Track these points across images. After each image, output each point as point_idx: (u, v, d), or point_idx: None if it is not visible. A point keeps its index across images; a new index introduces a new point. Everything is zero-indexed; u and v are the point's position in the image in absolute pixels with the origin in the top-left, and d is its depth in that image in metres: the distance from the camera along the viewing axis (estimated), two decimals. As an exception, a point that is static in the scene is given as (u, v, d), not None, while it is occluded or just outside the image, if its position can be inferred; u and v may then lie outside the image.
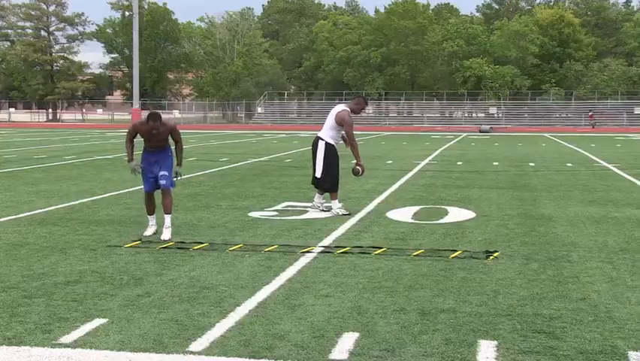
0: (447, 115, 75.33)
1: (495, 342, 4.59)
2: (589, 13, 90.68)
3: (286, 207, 11.14)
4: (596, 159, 22.56)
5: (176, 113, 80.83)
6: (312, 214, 10.26)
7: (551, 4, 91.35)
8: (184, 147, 8.87)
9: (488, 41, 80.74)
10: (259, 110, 77.26)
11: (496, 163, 20.66)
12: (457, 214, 10.28)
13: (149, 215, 8.61)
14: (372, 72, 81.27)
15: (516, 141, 36.37)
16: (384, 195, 12.72)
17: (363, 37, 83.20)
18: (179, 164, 8.67)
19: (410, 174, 17.08)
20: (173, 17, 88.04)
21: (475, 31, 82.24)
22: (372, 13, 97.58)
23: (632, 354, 4.38)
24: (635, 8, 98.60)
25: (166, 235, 8.23)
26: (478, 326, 4.91)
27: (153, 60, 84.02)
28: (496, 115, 71.56)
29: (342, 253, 7.40)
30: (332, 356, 4.33)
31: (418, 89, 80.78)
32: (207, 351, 4.40)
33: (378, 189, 13.49)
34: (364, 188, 13.79)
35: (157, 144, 8.48)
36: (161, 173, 8.41)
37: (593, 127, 60.08)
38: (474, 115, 75.20)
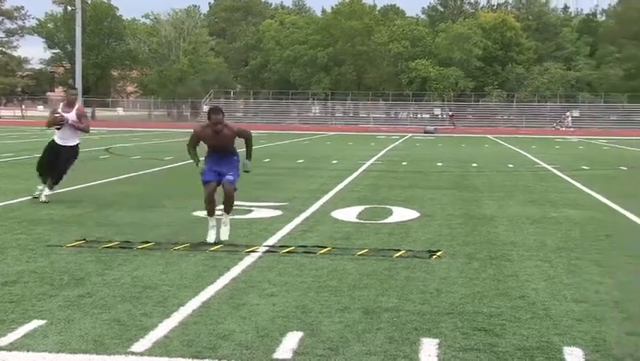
0: (392, 115, 75.92)
1: (437, 340, 4.66)
2: (530, 17, 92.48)
3: (231, 206, 11.07)
4: (536, 160, 23.06)
5: (120, 111, 79.70)
6: (258, 214, 10.24)
7: (494, 8, 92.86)
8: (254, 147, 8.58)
9: (433, 43, 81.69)
10: (205, 108, 76.54)
11: (440, 164, 20.95)
12: (401, 214, 10.39)
13: (210, 216, 8.11)
14: (318, 72, 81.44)
15: (460, 142, 36.91)
16: (329, 194, 12.77)
17: (309, 37, 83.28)
18: (248, 158, 8.37)
19: (355, 174, 17.18)
20: (118, 14, 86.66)
21: (421, 33, 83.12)
22: (319, 13, 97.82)
23: (566, 349, 4.50)
24: (573, 14, 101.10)
25: (224, 234, 8.00)
26: (421, 325, 4.98)
27: (96, 57, 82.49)
28: (440, 116, 72.45)
29: (287, 252, 7.41)
30: (276, 355, 4.34)
31: (364, 90, 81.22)
32: (150, 352, 4.36)
33: (323, 189, 13.53)
34: (310, 188, 13.82)
35: (222, 148, 8.02)
36: (228, 173, 8.04)
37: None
38: (419, 116, 75.96)
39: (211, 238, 7.96)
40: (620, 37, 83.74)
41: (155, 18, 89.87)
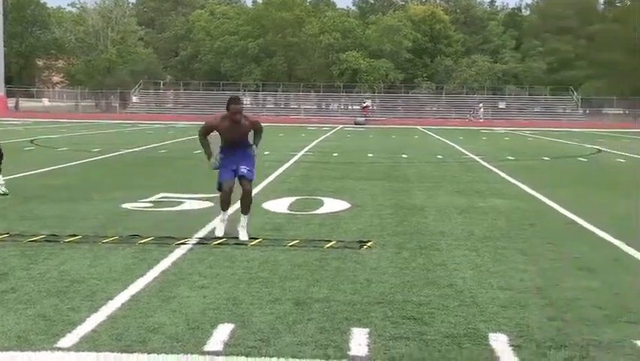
0: (323, 107, 76.12)
1: (367, 329, 4.71)
2: (458, 10, 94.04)
3: (161, 198, 10.95)
4: (464, 151, 23.50)
5: (46, 102, 77.45)
6: (188, 205, 10.15)
7: (424, 1, 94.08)
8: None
9: (364, 35, 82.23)
10: (134, 99, 75.26)
11: (371, 155, 21.14)
12: (332, 205, 10.45)
13: (224, 210, 7.95)
14: (249, 63, 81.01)
15: (390, 133, 37.31)
16: (260, 186, 12.73)
17: (240, 28, 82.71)
18: (256, 144, 8.09)
19: (286, 165, 17.18)
20: (42, 1, 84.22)
21: (351, 24, 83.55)
22: (250, 4, 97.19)
23: (492, 335, 4.62)
24: (499, 8, 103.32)
25: (243, 235, 7.73)
26: (352, 314, 5.03)
27: (20, 45, 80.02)
28: (371, 107, 73.04)
29: (218, 244, 7.37)
30: (207, 347, 4.32)
31: (295, 81, 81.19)
32: (77, 347, 4.28)
33: (255, 180, 13.46)
34: (241, 179, 13.75)
35: (238, 140, 7.78)
36: (244, 166, 7.81)
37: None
38: (350, 107, 76.38)
39: (220, 231, 7.84)
40: (544, 32, 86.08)
41: (82, 7, 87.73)
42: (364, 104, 65.32)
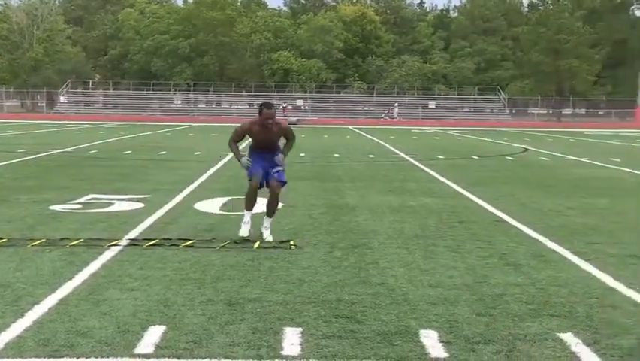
0: (255, 107, 75.82)
1: (300, 329, 4.72)
2: (388, 11, 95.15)
3: (90, 199, 10.74)
4: (395, 150, 23.79)
5: (-33, 101, 74.90)
6: (119, 206, 9.98)
7: (354, 1, 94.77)
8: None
9: (295, 35, 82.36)
10: (62, 99, 73.41)
11: (303, 154, 21.18)
12: (264, 205, 10.41)
13: (248, 210, 7.88)
14: (180, 63, 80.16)
15: (322, 133, 37.46)
16: (192, 186, 12.62)
17: (171, 27, 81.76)
18: (285, 154, 7.98)
19: (218, 165, 17.07)
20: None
21: (283, 24, 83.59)
22: (180, 3, 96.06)
23: (422, 332, 4.69)
24: (429, 9, 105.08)
25: (268, 235, 7.68)
26: (284, 314, 5.04)
27: (-63, 42, 77.28)
28: (303, 107, 73.16)
29: (150, 245, 7.27)
30: (137, 350, 4.26)
31: (227, 81, 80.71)
32: (1, 354, 4.16)
33: (186, 181, 13.36)
34: (172, 179, 13.61)
35: (269, 145, 7.78)
36: (276, 168, 7.79)
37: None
38: (290, 107, 76.30)
39: (244, 232, 7.75)
40: (472, 33, 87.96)
41: (5, 3, 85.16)
42: (283, 105, 65.33)
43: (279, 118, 7.92)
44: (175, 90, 76.99)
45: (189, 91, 77.75)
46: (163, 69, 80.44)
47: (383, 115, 64.06)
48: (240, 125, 8.02)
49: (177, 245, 7.31)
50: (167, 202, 10.46)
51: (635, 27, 79.30)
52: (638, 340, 4.60)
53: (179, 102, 75.39)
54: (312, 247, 7.43)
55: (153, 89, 74.71)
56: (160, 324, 4.74)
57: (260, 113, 7.69)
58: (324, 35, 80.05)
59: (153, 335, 4.53)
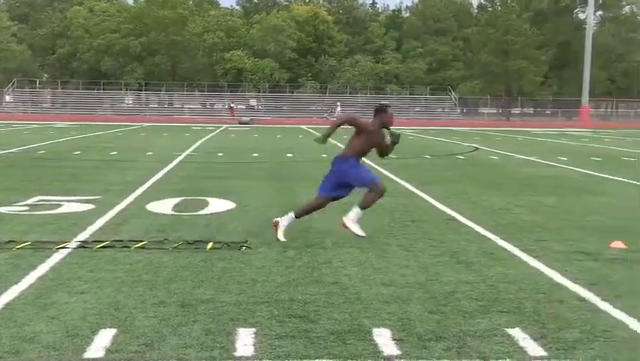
0: (208, 106, 75.39)
1: (253, 329, 4.71)
2: (341, 11, 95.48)
3: (38, 201, 10.53)
4: (349, 150, 23.85)
5: None
6: (68, 208, 9.81)
7: (307, 1, 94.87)
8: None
9: (248, 34, 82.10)
10: (7, 98, 71.86)
11: (256, 154, 21.13)
12: (217, 205, 10.38)
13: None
14: (131, 62, 79.18)
15: (275, 133, 37.41)
16: (144, 187, 12.49)
17: (121, 26, 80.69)
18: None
19: (170, 165, 16.92)
20: None
21: (236, 24, 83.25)
22: (131, 2, 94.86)
23: (375, 330, 4.73)
24: (381, 9, 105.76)
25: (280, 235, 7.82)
26: (237, 315, 5.02)
27: None
28: (256, 107, 72.97)
29: (100, 247, 7.17)
30: (87, 355, 4.20)
31: (179, 80, 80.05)
32: (-54, 360, 4.06)
33: (138, 181, 13.20)
34: (123, 180, 13.45)
35: (369, 151, 8.08)
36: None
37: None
38: (237, 107, 76.01)
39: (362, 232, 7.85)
40: (423, 33, 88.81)
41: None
42: (231, 105, 65.07)
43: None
44: (126, 90, 76.05)
45: (141, 90, 76.85)
46: (113, 68, 79.36)
47: (326, 115, 64.05)
48: (365, 122, 8.12)
49: (129, 247, 7.22)
50: (118, 203, 10.33)
51: (579, 29, 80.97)
52: (582, 333, 4.71)
53: (131, 102, 74.51)
54: (265, 247, 7.42)
55: (104, 89, 73.66)
56: (111, 327, 4.68)
57: (385, 113, 7.86)
58: (276, 35, 79.95)
59: (103, 338, 4.47)
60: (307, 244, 7.61)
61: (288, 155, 21.16)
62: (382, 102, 8.17)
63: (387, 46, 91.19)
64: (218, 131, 39.23)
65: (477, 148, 26.17)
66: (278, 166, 17.43)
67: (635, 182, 14.44)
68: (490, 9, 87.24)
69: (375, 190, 7.89)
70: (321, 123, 54.86)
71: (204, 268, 6.40)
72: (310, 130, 42.11)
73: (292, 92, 78.31)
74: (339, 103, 66.59)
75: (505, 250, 7.44)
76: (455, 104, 74.87)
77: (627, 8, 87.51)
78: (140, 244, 7.34)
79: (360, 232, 7.79)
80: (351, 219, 7.92)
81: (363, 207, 7.97)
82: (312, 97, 76.53)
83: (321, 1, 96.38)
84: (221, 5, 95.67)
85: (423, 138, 35.08)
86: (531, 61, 74.01)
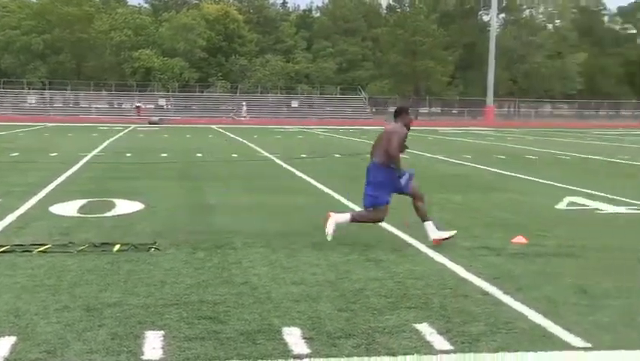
0: (116, 106, 73.70)
1: (162, 332, 4.64)
2: (251, 10, 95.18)
3: None
4: (259, 149, 23.82)
5: None
6: (-35, 212, 9.39)
7: (217, 0, 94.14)
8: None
9: (157, 33, 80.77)
10: None
11: (165, 155, 20.81)
12: (125, 206, 10.17)
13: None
14: (34, 59, 76.61)
15: (185, 133, 36.93)
16: (47, 188, 12.10)
17: (23, 22, 77.93)
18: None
19: (76, 166, 16.46)
20: None
21: (144, 22, 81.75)
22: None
23: (285, 330, 4.74)
24: (291, 9, 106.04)
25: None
26: (145, 318, 4.93)
27: None
28: (165, 107, 71.80)
29: (0, 252, 6.89)
30: (-15, 363, 4.04)
31: (85, 79, 77.90)
32: None
33: (41, 183, 12.78)
34: (27, 181, 13.01)
35: None
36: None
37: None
38: (144, 106, 74.60)
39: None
40: (333, 33, 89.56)
41: None
42: (137, 105, 63.94)
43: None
44: (29, 88, 73.47)
45: (44, 89, 74.38)
46: (14, 66, 76.60)
47: (231, 115, 63.71)
48: (397, 132, 7.66)
49: (30, 251, 6.98)
50: (19, 206, 9.97)
51: (483, 31, 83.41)
52: (485, 326, 4.85)
53: (34, 101, 71.94)
54: (174, 248, 7.32)
55: (4, 87, 70.93)
56: (10, 335, 4.51)
57: (407, 115, 7.73)
58: (186, 34, 78.98)
59: (2, 347, 4.30)
60: (217, 244, 7.55)
61: (198, 155, 20.93)
62: (404, 104, 8.08)
63: (298, 45, 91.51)
64: (126, 131, 38.42)
65: (386, 147, 26.53)
66: (187, 166, 17.22)
67: (536, 179, 14.97)
68: (398, 10, 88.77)
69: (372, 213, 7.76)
70: (229, 123, 54.56)
71: (111, 271, 6.26)
72: (220, 130, 41.78)
73: (202, 92, 77.49)
74: (244, 103, 66.25)
75: (414, 247, 7.58)
76: (365, 104, 75.78)
77: (527, 12, 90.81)
78: (43, 248, 7.10)
79: (330, 233, 7.60)
80: (336, 218, 7.75)
81: (352, 220, 7.82)
82: (223, 97, 75.92)
83: (231, 0, 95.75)
84: (129, 3, 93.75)
85: (333, 137, 35.36)
86: (438, 61, 75.71)
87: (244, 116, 61.99)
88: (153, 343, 4.43)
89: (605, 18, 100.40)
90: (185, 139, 30.92)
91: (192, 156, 20.35)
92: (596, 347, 4.48)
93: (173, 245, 7.44)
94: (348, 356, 4.29)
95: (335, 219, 7.71)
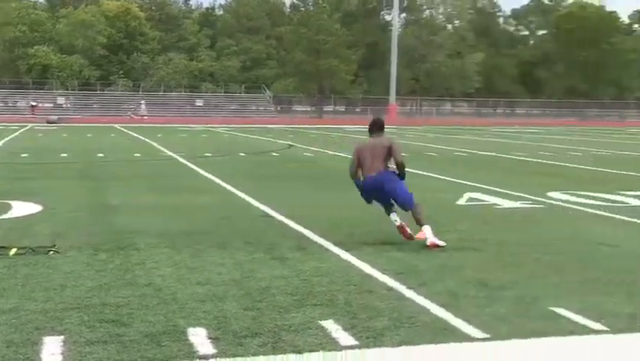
0: (10, 105, 70.90)
1: (62, 337, 4.51)
2: (153, 8, 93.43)
3: None
4: (163, 148, 23.45)
5: None
6: None
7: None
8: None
9: (54, 29, 78.18)
10: None
11: (65, 154, 20.20)
12: (21, 208, 9.81)
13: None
14: None
15: (86, 132, 35.95)
16: (-63, 191, 11.53)
17: None
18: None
19: (-31, 168, 15.77)
20: None
21: (40, 17, 78.94)
22: None
23: (190, 330, 4.69)
24: (194, 7, 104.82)
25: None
26: (44, 323, 4.78)
27: None
28: (64, 105, 69.62)
29: None
30: None
31: (-24, 77, 74.70)
32: None
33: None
34: None
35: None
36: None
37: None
38: (41, 105, 72.08)
39: None
40: (237, 32, 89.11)
41: None
42: (32, 104, 61.89)
43: None
44: None
45: None
46: None
47: (129, 113, 62.46)
48: (396, 142, 8.17)
49: None
50: None
51: (385, 31, 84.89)
52: (389, 320, 4.95)
53: None
54: (75, 250, 7.11)
55: None
56: None
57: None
58: (85, 30, 76.76)
59: None
60: (119, 245, 7.39)
61: (99, 155, 20.42)
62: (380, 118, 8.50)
63: (202, 44, 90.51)
64: (22, 130, 37.06)
65: (291, 145, 26.65)
66: (88, 166, 16.78)
67: (437, 175, 15.36)
68: (302, 9, 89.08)
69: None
70: (131, 122, 53.52)
71: (7, 276, 6.03)
72: (123, 129, 40.88)
73: (103, 90, 75.57)
74: (143, 101, 65.00)
75: (319, 244, 7.64)
76: (270, 102, 75.76)
77: (428, 12, 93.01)
78: None
79: (437, 242, 7.52)
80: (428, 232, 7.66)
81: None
82: (125, 95, 74.27)
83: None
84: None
85: (238, 135, 35.20)
86: (342, 60, 76.42)
87: (143, 115, 60.78)
88: (52, 349, 4.30)
89: (500, 20, 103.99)
90: (86, 138, 30.11)
91: (93, 156, 19.84)
92: (493, 338, 4.64)
93: (73, 247, 7.23)
94: (254, 355, 4.28)
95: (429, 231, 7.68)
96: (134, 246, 7.39)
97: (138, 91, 74.66)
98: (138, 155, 20.72)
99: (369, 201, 8.27)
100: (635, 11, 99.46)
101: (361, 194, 8.21)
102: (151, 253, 7.04)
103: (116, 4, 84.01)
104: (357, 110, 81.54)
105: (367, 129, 8.34)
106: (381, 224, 8.80)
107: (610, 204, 11.00)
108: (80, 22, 76.77)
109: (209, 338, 4.55)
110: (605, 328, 4.85)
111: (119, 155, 20.53)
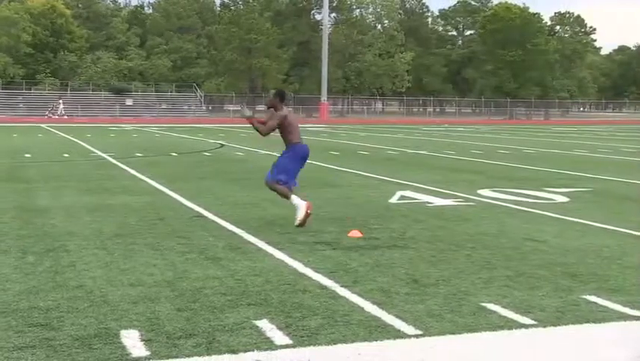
0: None
1: (-12, 343, 4.40)
2: (80, 5, 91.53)
3: None
4: (92, 148, 23.00)
5: None
6: None
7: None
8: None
9: (-25, 26, 75.74)
10: None
11: (-11, 156, 19.60)
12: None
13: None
14: None
15: (11, 132, 34.93)
16: None
17: None
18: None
19: None
20: None
21: (-39, 13, 76.34)
22: None
23: (123, 332, 4.64)
24: (122, 5, 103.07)
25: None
26: (-30, 329, 4.65)
27: None
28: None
29: None
30: None
31: None
32: None
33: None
34: None
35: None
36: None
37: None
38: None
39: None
40: (167, 30, 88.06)
41: None
42: None
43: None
44: None
45: None
46: None
47: (47, 113, 60.99)
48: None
49: None
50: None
51: (315, 30, 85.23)
52: (323, 319, 4.99)
53: None
54: (1, 253, 6.94)
55: None
56: None
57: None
58: (9, 28, 74.55)
59: None
60: (49, 248, 7.24)
61: (27, 155, 19.89)
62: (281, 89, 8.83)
63: (131, 42, 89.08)
64: (-57, 130, 35.78)
65: (222, 145, 26.48)
66: (15, 167, 16.33)
67: (369, 174, 15.51)
68: (232, 8, 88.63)
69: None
70: (56, 122, 52.32)
71: None
72: (51, 129, 39.88)
73: (30, 89, 73.55)
74: (61, 100, 63.58)
75: (252, 243, 7.64)
76: (201, 102, 75.11)
77: (357, 12, 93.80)
78: None
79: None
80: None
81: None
82: (52, 94, 72.43)
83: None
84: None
85: (169, 135, 34.77)
86: (273, 59, 76.41)
87: (61, 114, 59.40)
88: (-22, 356, 4.19)
89: (429, 20, 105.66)
90: (12, 138, 29.29)
91: (20, 157, 19.32)
92: (427, 334, 4.73)
93: (0, 251, 7.04)
94: (188, 356, 4.27)
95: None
96: (64, 248, 7.26)
97: (66, 90, 72.96)
98: (67, 155, 20.27)
99: (292, 175, 8.82)
100: (556, 13, 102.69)
101: (291, 161, 8.92)
102: (81, 255, 6.92)
103: (41, 2, 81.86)
104: (290, 108, 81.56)
105: (278, 99, 8.80)
106: (312, 223, 8.85)
107: (537, 200, 11.33)
108: (2, 19, 74.53)
109: (142, 339, 4.51)
110: (533, 322, 5.00)
111: (47, 155, 20.04)
